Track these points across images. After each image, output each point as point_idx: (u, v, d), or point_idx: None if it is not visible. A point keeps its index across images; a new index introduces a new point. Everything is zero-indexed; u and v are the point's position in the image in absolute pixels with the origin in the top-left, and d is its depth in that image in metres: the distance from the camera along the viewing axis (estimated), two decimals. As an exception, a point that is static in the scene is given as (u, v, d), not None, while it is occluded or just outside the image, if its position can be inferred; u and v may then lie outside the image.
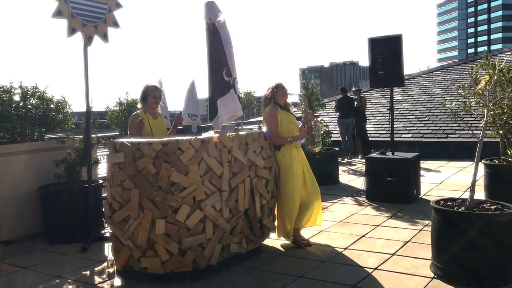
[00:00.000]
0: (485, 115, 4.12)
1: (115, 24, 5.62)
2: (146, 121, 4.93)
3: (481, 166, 5.92)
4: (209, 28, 5.84)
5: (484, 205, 3.96)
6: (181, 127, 5.37)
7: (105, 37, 5.52)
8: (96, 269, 4.51)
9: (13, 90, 5.90)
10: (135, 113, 5.05)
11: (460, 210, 3.86)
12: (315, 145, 5.25)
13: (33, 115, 5.94)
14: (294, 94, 5.59)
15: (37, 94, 6.05)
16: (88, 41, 5.35)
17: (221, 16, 5.82)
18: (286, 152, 4.89)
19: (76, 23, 5.20)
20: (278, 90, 4.97)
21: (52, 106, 6.14)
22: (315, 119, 5.34)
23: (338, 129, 11.96)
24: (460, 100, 4.68)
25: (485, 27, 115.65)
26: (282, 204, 4.91)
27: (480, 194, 6.05)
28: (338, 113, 11.82)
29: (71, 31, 5.18)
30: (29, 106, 5.96)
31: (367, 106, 12.62)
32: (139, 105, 5.23)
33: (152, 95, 4.99)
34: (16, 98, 5.93)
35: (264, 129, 5.15)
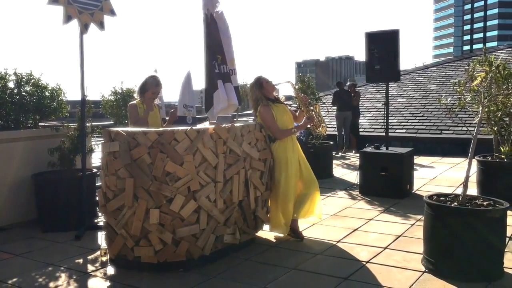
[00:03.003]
0: (480, 111, 4.14)
1: (112, 12, 5.58)
2: (143, 112, 4.94)
3: (474, 163, 5.96)
4: (206, 18, 5.83)
5: (477, 201, 3.99)
6: (176, 118, 5.36)
7: (101, 25, 5.48)
8: (89, 257, 4.52)
9: (7, 76, 5.87)
10: (132, 102, 5.04)
11: (452, 205, 3.90)
12: (321, 128, 5.17)
13: (27, 102, 5.91)
14: (281, 83, 5.46)
15: (32, 81, 6.02)
16: (84, 28, 5.31)
17: (219, 7, 5.82)
18: (281, 144, 4.86)
19: (72, 10, 5.16)
20: (266, 87, 4.85)
21: (46, 93, 6.12)
22: (310, 102, 5.17)
23: (333, 122, 11.98)
24: (455, 96, 4.69)
25: (481, 24, 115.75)
26: (276, 197, 4.89)
27: (472, 190, 6.10)
28: (335, 107, 11.84)
29: (67, 18, 5.14)
30: (24, 93, 5.93)
31: (361, 100, 12.63)
32: (135, 95, 5.21)
33: (151, 91, 4.99)
34: (11, 85, 5.90)
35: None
